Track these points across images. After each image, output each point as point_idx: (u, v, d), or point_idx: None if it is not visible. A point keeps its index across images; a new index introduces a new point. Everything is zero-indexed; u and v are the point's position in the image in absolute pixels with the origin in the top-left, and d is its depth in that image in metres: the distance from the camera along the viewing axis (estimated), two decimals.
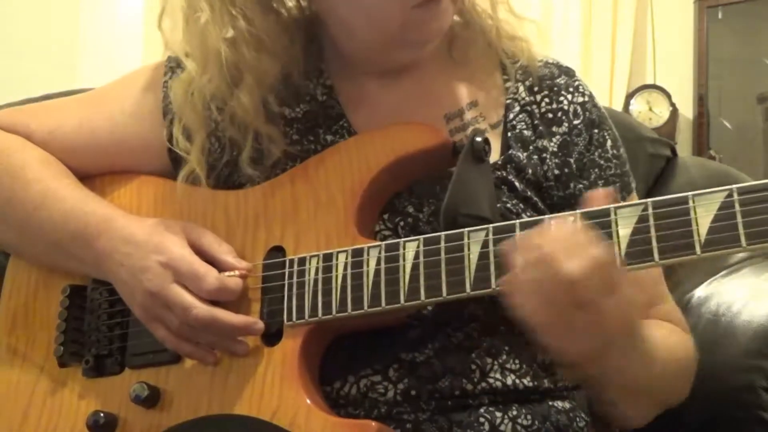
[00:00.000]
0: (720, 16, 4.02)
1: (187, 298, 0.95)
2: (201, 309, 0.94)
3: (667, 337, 1.01)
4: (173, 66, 1.10)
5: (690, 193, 0.84)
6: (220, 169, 1.07)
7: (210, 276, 0.95)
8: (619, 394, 0.96)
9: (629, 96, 3.98)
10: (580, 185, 1.06)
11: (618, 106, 3.88)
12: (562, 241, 0.81)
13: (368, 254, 0.94)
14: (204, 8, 1.00)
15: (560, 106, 1.08)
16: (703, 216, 0.83)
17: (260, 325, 0.96)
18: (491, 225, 0.91)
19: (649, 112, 3.91)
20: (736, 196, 0.82)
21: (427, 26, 1.01)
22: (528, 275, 0.82)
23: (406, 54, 1.05)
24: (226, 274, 0.97)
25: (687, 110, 4.02)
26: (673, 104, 3.91)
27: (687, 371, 1.04)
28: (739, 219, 0.82)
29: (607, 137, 1.10)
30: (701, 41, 4.01)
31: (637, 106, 3.93)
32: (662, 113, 3.91)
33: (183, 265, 0.96)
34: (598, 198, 0.87)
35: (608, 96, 3.96)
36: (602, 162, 1.08)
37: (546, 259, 0.80)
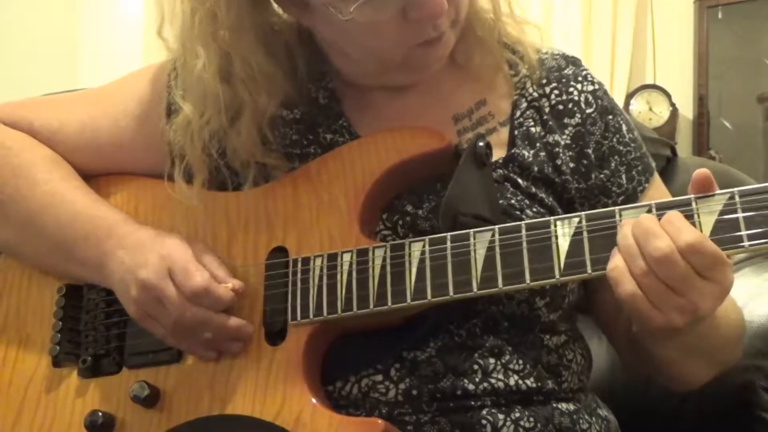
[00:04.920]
0: (720, 16, 4.03)
1: (177, 294, 0.95)
2: (192, 308, 0.94)
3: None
4: (178, 66, 1.10)
5: (692, 195, 0.86)
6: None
7: (199, 275, 0.95)
8: (684, 353, 0.96)
9: (629, 96, 3.99)
10: (602, 175, 1.06)
11: None
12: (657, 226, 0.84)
13: (373, 254, 0.95)
14: (200, 54, 1.00)
15: (571, 97, 1.08)
16: (706, 218, 0.85)
17: (250, 328, 0.97)
18: (497, 226, 0.92)
19: (649, 112, 3.91)
20: (737, 199, 0.84)
21: (429, 58, 1.01)
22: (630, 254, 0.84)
23: (406, 78, 1.06)
24: (221, 285, 0.97)
25: (687, 110, 4.03)
26: (673, 104, 3.92)
27: (740, 333, 1.05)
28: (741, 221, 0.84)
29: (621, 122, 1.09)
30: (701, 41, 4.02)
31: (637, 106, 3.94)
32: (662, 113, 3.91)
33: (178, 261, 0.96)
34: (703, 180, 0.87)
35: None
36: (621, 147, 1.08)
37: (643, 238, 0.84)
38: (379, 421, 0.90)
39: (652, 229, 0.84)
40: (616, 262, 0.85)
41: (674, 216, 0.85)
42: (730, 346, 1.02)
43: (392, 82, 1.06)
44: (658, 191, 1.08)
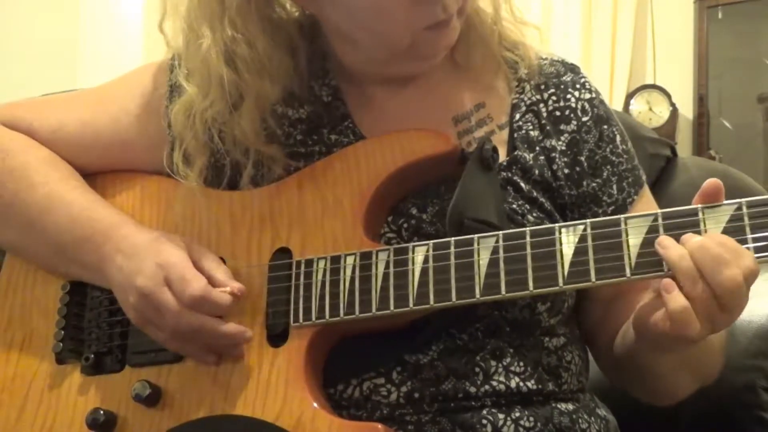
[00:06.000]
0: (720, 16, 4.02)
1: (174, 303, 0.94)
2: (189, 316, 0.94)
3: None
4: (178, 64, 1.09)
5: (700, 205, 0.87)
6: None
7: (196, 282, 0.95)
8: (676, 366, 0.97)
9: (629, 96, 3.98)
10: (594, 184, 1.06)
11: (618, 106, 3.88)
12: (717, 250, 0.84)
13: (377, 257, 0.94)
14: (206, 33, 1.00)
15: (568, 103, 1.08)
16: (712, 228, 0.85)
17: (249, 334, 0.96)
18: (501, 232, 0.92)
19: (649, 112, 3.91)
20: (745, 209, 0.85)
21: (436, 44, 1.01)
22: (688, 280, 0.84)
23: (412, 67, 1.06)
24: (218, 289, 0.96)
25: (687, 110, 4.03)
26: (673, 104, 3.91)
27: (722, 347, 1.05)
28: (748, 232, 0.84)
29: (615, 132, 1.09)
30: (701, 41, 4.01)
31: (637, 106, 3.93)
32: (662, 113, 3.91)
33: (175, 268, 0.96)
34: (712, 191, 0.87)
35: (608, 96, 3.96)
36: (614, 158, 1.08)
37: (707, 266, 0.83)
38: (379, 425, 0.90)
39: (723, 257, 0.83)
40: (681, 303, 0.84)
41: (726, 239, 0.84)
42: (713, 360, 1.03)
43: (396, 72, 1.06)
44: (646, 204, 1.09)
